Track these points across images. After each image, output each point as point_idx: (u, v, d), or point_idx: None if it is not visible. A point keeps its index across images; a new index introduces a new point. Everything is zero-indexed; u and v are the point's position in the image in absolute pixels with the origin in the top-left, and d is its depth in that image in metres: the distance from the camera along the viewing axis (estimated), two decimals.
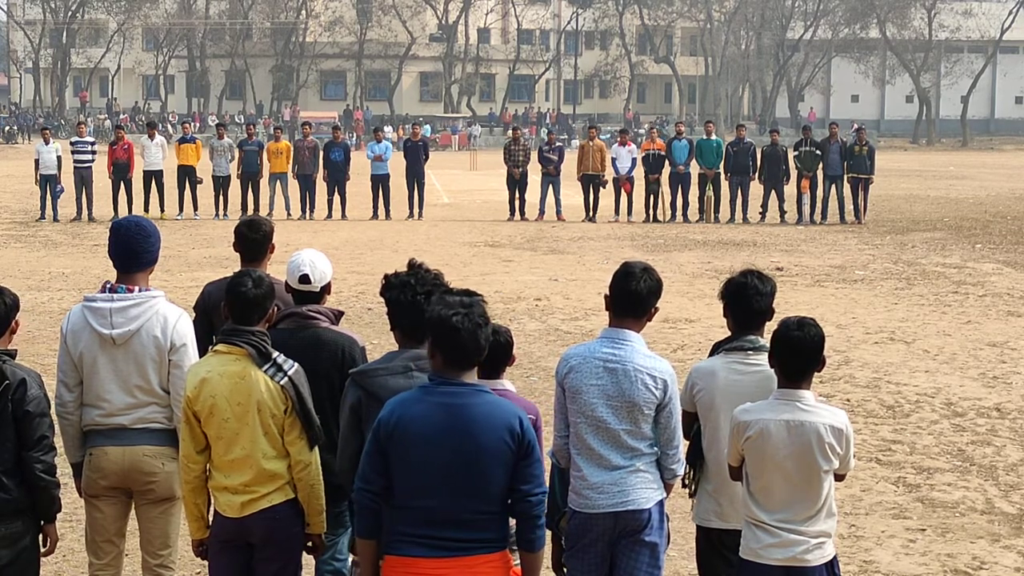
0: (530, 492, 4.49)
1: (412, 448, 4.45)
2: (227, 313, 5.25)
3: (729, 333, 5.46)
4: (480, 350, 4.49)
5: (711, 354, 5.50)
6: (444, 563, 4.44)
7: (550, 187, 27.81)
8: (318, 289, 5.75)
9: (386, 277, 5.10)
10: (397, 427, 4.47)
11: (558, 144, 29.11)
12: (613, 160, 27.93)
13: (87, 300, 5.67)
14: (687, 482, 5.47)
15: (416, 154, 28.47)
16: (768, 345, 5.30)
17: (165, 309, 5.65)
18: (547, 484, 5.59)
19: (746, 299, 5.34)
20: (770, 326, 5.15)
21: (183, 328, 5.65)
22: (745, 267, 5.50)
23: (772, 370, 5.15)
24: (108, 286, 5.66)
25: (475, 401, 4.47)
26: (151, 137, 27.87)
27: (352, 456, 4.95)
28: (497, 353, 5.52)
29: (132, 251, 5.70)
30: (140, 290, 5.65)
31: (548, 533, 5.68)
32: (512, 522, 4.64)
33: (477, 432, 4.43)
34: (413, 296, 4.89)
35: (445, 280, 5.04)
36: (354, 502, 4.64)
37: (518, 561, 4.72)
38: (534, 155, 29.02)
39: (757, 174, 27.37)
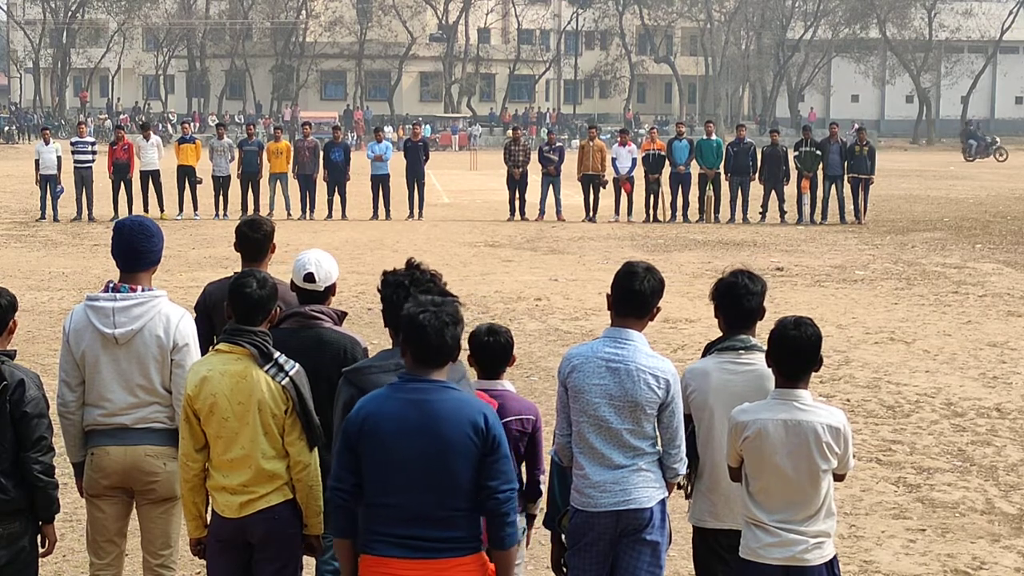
0: (497, 488, 4.47)
1: (380, 445, 4.47)
2: (230, 313, 5.26)
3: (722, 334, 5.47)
4: (446, 349, 4.48)
5: (704, 355, 5.50)
6: (417, 564, 4.44)
7: (550, 187, 27.81)
8: (322, 288, 5.75)
9: (385, 274, 5.10)
10: (365, 423, 4.49)
11: (558, 144, 29.11)
12: (613, 160, 27.93)
13: (90, 299, 5.67)
14: (682, 484, 5.47)
15: (416, 154, 28.46)
16: (760, 344, 5.31)
17: (168, 309, 5.66)
18: (545, 483, 5.60)
19: (737, 299, 5.34)
20: (767, 326, 5.14)
21: (185, 328, 5.65)
22: (735, 267, 5.49)
23: (765, 369, 5.16)
24: (111, 285, 5.67)
25: (440, 397, 4.47)
26: (146, 138, 27.87)
27: None
28: (497, 353, 5.52)
29: (135, 251, 5.71)
30: (143, 290, 5.66)
31: (547, 532, 5.70)
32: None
33: (441, 428, 4.43)
34: (407, 296, 4.87)
35: (442, 281, 5.02)
36: (328, 501, 4.64)
37: None
38: (534, 155, 29.02)
39: (757, 174, 27.38)
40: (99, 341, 5.59)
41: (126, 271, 5.72)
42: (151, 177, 27.45)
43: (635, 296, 5.18)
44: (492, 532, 4.53)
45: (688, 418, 5.34)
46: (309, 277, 5.72)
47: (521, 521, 5.39)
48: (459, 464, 4.44)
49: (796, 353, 4.94)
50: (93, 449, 5.71)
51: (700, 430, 5.36)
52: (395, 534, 4.46)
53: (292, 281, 5.80)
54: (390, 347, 5.15)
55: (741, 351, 5.30)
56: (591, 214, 27.76)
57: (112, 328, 5.57)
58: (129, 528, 5.93)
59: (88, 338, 5.61)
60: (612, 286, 5.26)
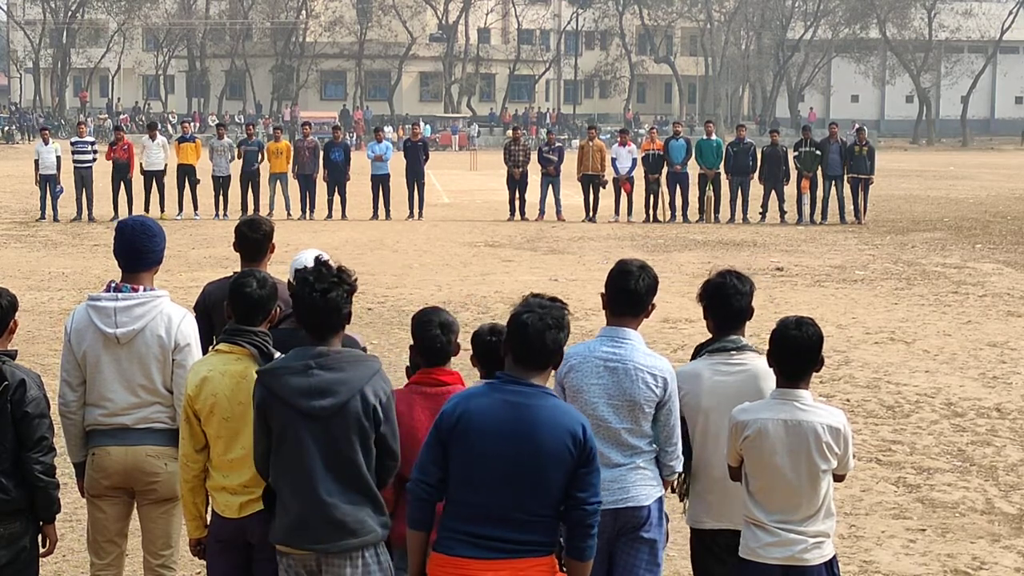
0: (587, 500, 4.48)
1: (473, 442, 4.46)
2: (230, 313, 5.25)
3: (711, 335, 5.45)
4: (546, 351, 4.48)
5: (693, 357, 5.49)
6: (491, 564, 4.43)
7: (550, 187, 27.84)
8: None
9: (296, 271, 5.02)
10: (460, 420, 4.48)
11: (557, 144, 29.15)
12: (613, 160, 27.94)
13: (91, 299, 5.68)
14: (676, 487, 5.46)
15: (416, 154, 28.49)
16: (751, 344, 5.31)
17: (170, 309, 5.66)
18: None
19: (726, 299, 5.33)
20: (766, 326, 5.14)
21: (187, 328, 5.66)
22: (723, 267, 5.49)
23: (757, 369, 5.16)
24: (113, 285, 5.68)
25: (541, 403, 4.46)
26: (152, 138, 27.87)
27: (263, 454, 4.90)
28: (499, 353, 5.52)
29: (137, 250, 5.72)
30: (145, 289, 5.66)
31: None
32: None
33: (540, 434, 4.42)
34: (310, 293, 4.78)
35: (352, 277, 4.87)
36: (408, 492, 4.64)
37: None
38: (534, 155, 29.04)
39: (757, 173, 27.37)
40: (100, 341, 5.60)
41: (128, 271, 5.72)
42: (155, 177, 27.47)
43: (630, 295, 5.18)
44: (573, 542, 4.53)
45: (681, 420, 5.34)
46: None
47: None
48: (551, 471, 4.43)
49: (797, 353, 4.94)
50: (94, 449, 5.71)
51: (694, 432, 5.36)
52: (474, 533, 4.45)
53: (289, 281, 5.79)
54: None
55: (732, 352, 5.30)
56: (591, 214, 27.77)
57: (114, 328, 5.57)
58: (130, 528, 5.93)
59: (90, 338, 5.61)
60: (607, 285, 5.26)
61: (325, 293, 4.75)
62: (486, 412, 4.46)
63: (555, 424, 4.44)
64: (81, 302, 5.79)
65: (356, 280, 4.90)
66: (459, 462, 4.49)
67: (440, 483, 4.53)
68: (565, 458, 4.43)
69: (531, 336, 4.45)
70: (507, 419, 4.43)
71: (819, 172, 27.37)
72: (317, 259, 4.96)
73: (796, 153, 27.54)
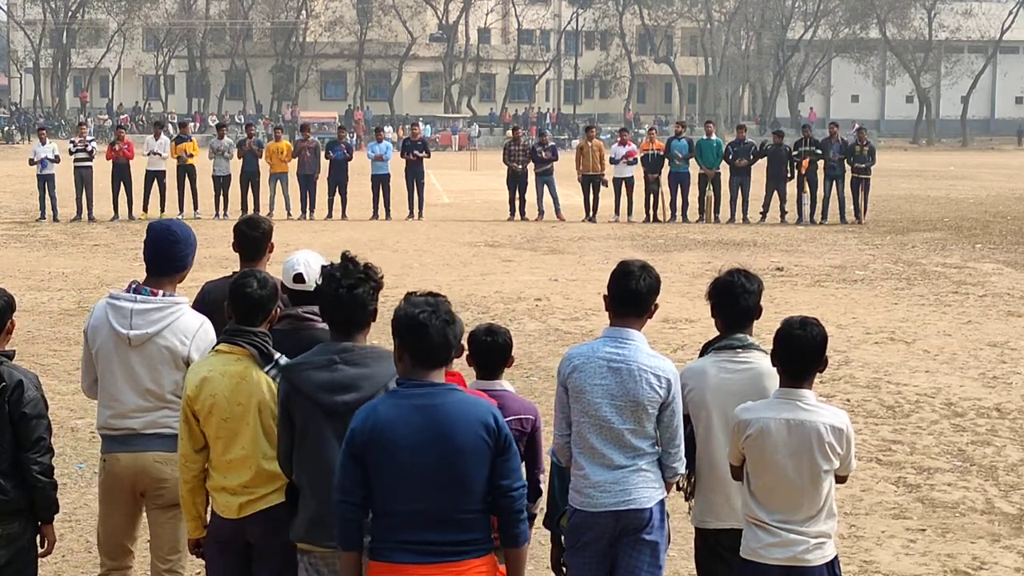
0: (511, 487, 4.46)
1: (389, 454, 4.39)
2: (230, 313, 5.25)
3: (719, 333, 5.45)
4: (447, 347, 4.43)
5: (701, 354, 5.49)
6: (433, 569, 4.38)
7: (545, 186, 27.87)
8: (312, 289, 5.73)
9: (322, 268, 5.03)
10: (372, 435, 4.40)
11: (551, 144, 29.21)
12: (612, 159, 27.93)
13: (111, 297, 5.71)
14: (681, 486, 5.45)
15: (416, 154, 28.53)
16: (757, 343, 5.30)
17: (187, 316, 5.66)
18: (546, 483, 5.59)
19: (734, 298, 5.33)
20: (769, 326, 5.14)
21: (204, 336, 5.64)
22: (732, 266, 5.49)
23: (763, 367, 5.16)
24: (133, 286, 5.68)
25: (448, 400, 4.42)
26: (156, 136, 27.84)
27: (287, 452, 4.91)
28: (496, 353, 5.51)
29: (160, 255, 5.75)
30: (164, 295, 5.66)
31: (548, 532, 5.69)
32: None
33: (454, 432, 4.38)
34: (336, 289, 4.79)
35: (379, 275, 4.89)
36: (334, 514, 4.56)
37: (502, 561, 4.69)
38: None
39: (760, 163, 27.30)
40: (113, 340, 5.61)
41: (151, 274, 5.75)
42: (156, 177, 27.45)
43: (633, 295, 5.17)
44: (505, 530, 4.50)
45: (687, 419, 5.33)
46: (299, 278, 5.71)
47: None
48: (474, 466, 4.40)
49: (801, 353, 4.93)
50: (105, 456, 5.74)
51: (699, 429, 5.35)
52: (410, 540, 4.40)
53: (282, 283, 5.79)
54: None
55: (739, 350, 5.30)
56: (591, 214, 27.77)
57: (128, 329, 5.58)
58: (139, 531, 5.93)
59: (104, 335, 5.64)
60: (609, 286, 5.25)
61: (352, 289, 4.78)
62: (396, 422, 4.39)
63: (467, 419, 4.40)
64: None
65: (382, 278, 4.92)
66: (380, 476, 4.42)
67: (365, 500, 4.46)
68: (483, 449, 4.40)
69: (432, 334, 4.38)
70: (419, 424, 4.37)
71: (820, 170, 27.37)
72: (344, 255, 4.97)
73: (795, 153, 27.56)
